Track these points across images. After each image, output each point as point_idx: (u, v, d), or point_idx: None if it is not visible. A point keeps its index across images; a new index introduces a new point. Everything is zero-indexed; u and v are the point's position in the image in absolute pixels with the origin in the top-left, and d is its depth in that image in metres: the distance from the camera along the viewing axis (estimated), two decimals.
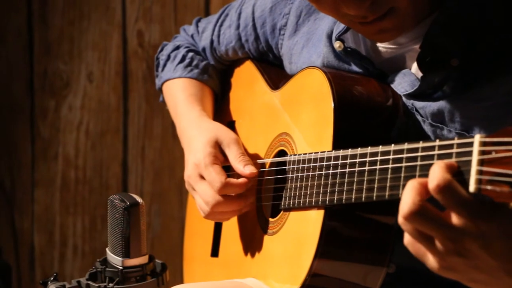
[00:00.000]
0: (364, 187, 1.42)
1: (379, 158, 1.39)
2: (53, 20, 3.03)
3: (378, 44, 1.59)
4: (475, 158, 1.16)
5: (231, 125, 1.92)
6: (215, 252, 1.89)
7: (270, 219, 1.70)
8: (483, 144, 1.16)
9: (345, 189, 1.47)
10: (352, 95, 1.56)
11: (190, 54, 1.98)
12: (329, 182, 1.51)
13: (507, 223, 1.15)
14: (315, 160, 1.55)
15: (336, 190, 1.49)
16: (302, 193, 1.58)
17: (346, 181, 1.47)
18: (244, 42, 1.90)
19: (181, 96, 1.93)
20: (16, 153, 3.09)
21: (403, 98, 1.56)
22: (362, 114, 1.55)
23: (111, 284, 1.52)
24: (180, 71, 1.96)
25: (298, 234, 1.59)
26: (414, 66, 1.54)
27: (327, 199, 1.51)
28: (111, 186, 3.05)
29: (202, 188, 1.75)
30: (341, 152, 1.49)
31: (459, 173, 1.18)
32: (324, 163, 1.52)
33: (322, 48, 1.68)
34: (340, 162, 1.49)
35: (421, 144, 1.29)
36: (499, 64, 1.46)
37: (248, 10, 1.88)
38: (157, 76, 2.04)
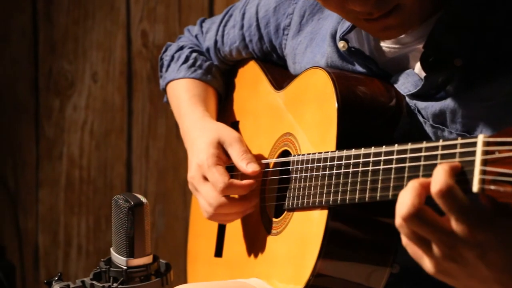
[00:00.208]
0: (368, 187, 1.42)
1: (382, 158, 1.39)
2: (58, 19, 3.03)
3: (382, 44, 1.59)
4: (478, 158, 1.16)
5: (235, 125, 1.92)
6: (218, 252, 1.90)
7: (274, 219, 1.70)
8: (486, 144, 1.16)
9: (348, 189, 1.47)
10: (355, 95, 1.56)
11: (194, 54, 1.98)
12: (333, 182, 1.51)
13: (504, 234, 1.15)
14: (318, 160, 1.55)
15: (340, 190, 1.49)
16: (306, 193, 1.58)
17: (349, 181, 1.47)
18: (248, 42, 1.90)
19: (184, 96, 1.93)
20: (20, 153, 3.09)
21: (407, 99, 1.56)
22: (366, 114, 1.55)
23: (115, 284, 1.52)
24: (183, 72, 1.97)
25: (302, 234, 1.59)
26: (418, 66, 1.54)
27: (331, 199, 1.51)
28: (115, 186, 3.05)
29: (205, 189, 1.75)
30: (344, 152, 1.49)
31: (462, 173, 1.18)
32: (328, 163, 1.53)
33: (326, 48, 1.68)
34: (343, 162, 1.49)
35: (424, 144, 1.29)
36: (503, 64, 1.46)
37: (252, 10, 1.89)
38: (161, 76, 2.04)
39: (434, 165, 1.25)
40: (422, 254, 1.21)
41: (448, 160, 1.22)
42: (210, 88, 1.96)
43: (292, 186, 1.63)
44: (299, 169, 1.62)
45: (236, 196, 1.73)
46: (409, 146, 1.33)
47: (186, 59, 1.98)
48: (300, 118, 1.67)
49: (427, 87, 1.52)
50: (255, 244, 1.76)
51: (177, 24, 2.95)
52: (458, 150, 1.22)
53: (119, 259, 1.53)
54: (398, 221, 1.19)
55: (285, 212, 1.66)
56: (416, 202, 1.17)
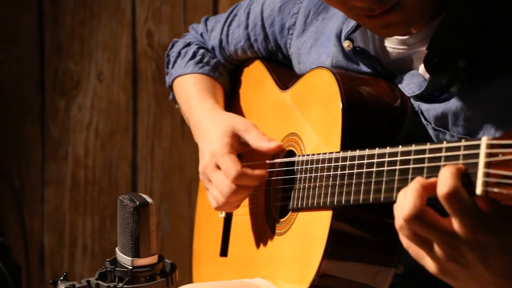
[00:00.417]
0: (372, 188, 1.42)
1: (386, 159, 1.39)
2: (63, 20, 3.04)
3: (386, 45, 1.60)
4: (482, 160, 1.17)
5: None
6: (224, 252, 1.90)
7: (279, 220, 1.71)
8: (490, 146, 1.16)
9: (353, 190, 1.47)
10: (360, 95, 1.56)
11: (201, 51, 1.98)
12: (337, 183, 1.51)
13: (506, 237, 1.15)
14: (323, 160, 1.56)
15: (344, 191, 1.49)
16: (311, 194, 1.58)
17: (354, 182, 1.47)
18: (253, 42, 1.91)
19: (193, 90, 1.92)
20: (26, 152, 3.10)
21: (411, 100, 1.56)
22: (370, 114, 1.55)
23: (120, 284, 1.52)
24: (191, 67, 1.96)
25: (307, 234, 1.59)
26: (422, 67, 1.55)
27: (335, 200, 1.51)
28: (121, 186, 3.06)
29: (218, 177, 1.73)
30: (349, 153, 1.49)
31: (466, 175, 1.18)
32: (332, 164, 1.53)
33: (331, 48, 1.68)
34: (348, 163, 1.49)
35: (428, 146, 1.29)
36: (506, 65, 1.46)
37: (257, 10, 1.89)
38: (167, 73, 2.04)
39: (438, 167, 1.25)
40: (424, 255, 1.21)
41: (452, 162, 1.23)
42: (218, 84, 1.96)
43: (297, 187, 1.64)
44: (303, 169, 1.62)
45: (248, 185, 1.72)
46: (413, 147, 1.33)
47: (194, 55, 1.97)
48: (305, 118, 1.68)
49: (431, 88, 1.52)
50: (260, 244, 1.76)
51: (182, 24, 2.96)
52: (461, 152, 1.22)
53: (125, 259, 1.53)
54: (399, 222, 1.20)
55: (290, 212, 1.67)
56: (418, 203, 1.18)
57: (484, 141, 1.17)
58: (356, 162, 1.47)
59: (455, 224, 1.16)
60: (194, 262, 2.04)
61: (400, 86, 1.57)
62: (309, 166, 1.60)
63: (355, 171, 1.47)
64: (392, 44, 1.59)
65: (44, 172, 3.10)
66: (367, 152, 1.45)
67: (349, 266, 1.53)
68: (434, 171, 1.24)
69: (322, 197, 1.54)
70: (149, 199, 1.54)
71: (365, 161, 1.45)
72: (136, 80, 3.01)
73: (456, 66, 1.49)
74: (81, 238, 3.09)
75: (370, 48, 1.62)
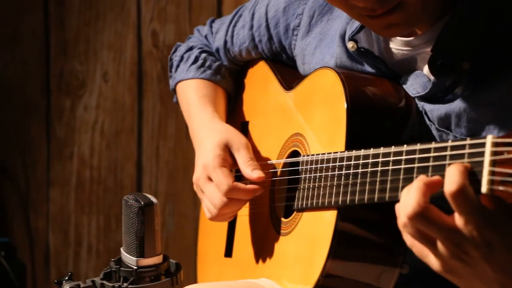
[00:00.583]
0: (377, 188, 1.42)
1: (391, 158, 1.39)
2: (69, 20, 3.04)
3: (391, 46, 1.59)
4: (487, 158, 1.17)
5: (244, 125, 1.92)
6: (228, 252, 1.90)
7: (283, 220, 1.71)
8: (495, 144, 1.16)
9: (357, 190, 1.47)
10: (365, 95, 1.56)
11: (203, 55, 1.99)
12: (342, 183, 1.51)
13: (510, 236, 1.15)
14: (327, 160, 1.55)
15: (349, 191, 1.49)
16: (315, 194, 1.58)
17: (358, 182, 1.47)
18: (258, 43, 1.91)
19: (194, 97, 1.93)
20: (31, 152, 3.11)
21: (416, 100, 1.56)
22: (375, 114, 1.55)
23: (125, 284, 1.52)
24: (193, 72, 1.97)
25: (311, 234, 1.59)
26: (426, 68, 1.54)
27: (340, 200, 1.51)
28: (126, 186, 3.06)
29: (210, 189, 1.75)
30: (353, 153, 1.49)
31: (471, 173, 1.18)
32: (337, 164, 1.53)
33: (335, 49, 1.68)
34: (352, 162, 1.49)
35: (433, 145, 1.29)
36: (510, 68, 1.45)
37: (262, 11, 1.89)
38: (171, 77, 2.05)
39: (443, 166, 1.25)
40: (428, 253, 1.21)
41: (457, 161, 1.23)
42: (220, 88, 1.97)
43: (302, 187, 1.64)
44: (308, 169, 1.62)
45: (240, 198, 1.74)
46: (418, 146, 1.33)
47: (196, 59, 1.98)
48: (310, 118, 1.68)
49: (435, 89, 1.52)
50: (264, 245, 1.76)
51: (187, 24, 2.96)
52: (467, 150, 1.22)
53: (129, 259, 1.53)
54: (403, 220, 1.20)
55: (295, 212, 1.66)
56: (421, 201, 1.18)
57: (489, 139, 1.17)
58: (360, 161, 1.47)
59: (461, 221, 1.16)
60: (199, 262, 2.04)
61: (404, 86, 1.57)
62: (313, 166, 1.60)
63: (359, 170, 1.47)
64: (397, 46, 1.59)
65: (49, 172, 3.10)
66: (371, 151, 1.45)
67: (354, 266, 1.53)
68: (439, 170, 1.24)
69: (326, 197, 1.54)
70: (154, 199, 1.54)
71: (370, 161, 1.45)
72: (141, 80, 3.02)
73: (460, 68, 1.49)
74: (86, 237, 3.09)
75: (374, 49, 1.62)
